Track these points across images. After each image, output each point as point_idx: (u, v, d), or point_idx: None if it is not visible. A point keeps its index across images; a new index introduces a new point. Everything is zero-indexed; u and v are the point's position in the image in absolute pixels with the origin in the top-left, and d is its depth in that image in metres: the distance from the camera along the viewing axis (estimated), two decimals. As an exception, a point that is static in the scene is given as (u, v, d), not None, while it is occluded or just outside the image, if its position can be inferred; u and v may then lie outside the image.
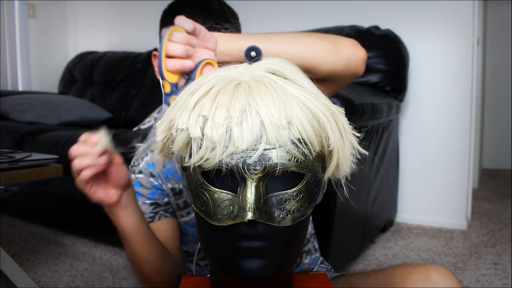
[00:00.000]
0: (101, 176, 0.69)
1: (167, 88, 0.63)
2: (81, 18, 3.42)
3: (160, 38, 0.63)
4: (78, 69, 3.03)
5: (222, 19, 0.83)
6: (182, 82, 0.70)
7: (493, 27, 3.52)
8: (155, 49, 0.89)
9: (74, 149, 0.67)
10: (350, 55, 0.79)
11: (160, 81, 0.63)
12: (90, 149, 0.65)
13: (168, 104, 0.63)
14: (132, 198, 0.75)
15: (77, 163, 0.66)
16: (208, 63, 0.64)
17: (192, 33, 0.65)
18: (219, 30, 0.79)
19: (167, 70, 0.62)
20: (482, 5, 2.59)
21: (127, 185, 0.73)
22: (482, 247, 1.82)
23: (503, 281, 1.48)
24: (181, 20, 0.65)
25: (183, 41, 0.63)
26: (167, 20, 0.86)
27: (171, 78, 0.63)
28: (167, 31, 0.63)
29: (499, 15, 3.52)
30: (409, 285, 0.66)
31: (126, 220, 0.76)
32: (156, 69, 0.85)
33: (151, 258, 0.80)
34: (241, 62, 0.68)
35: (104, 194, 0.71)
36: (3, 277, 1.38)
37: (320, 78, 0.78)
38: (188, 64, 0.62)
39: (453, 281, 0.66)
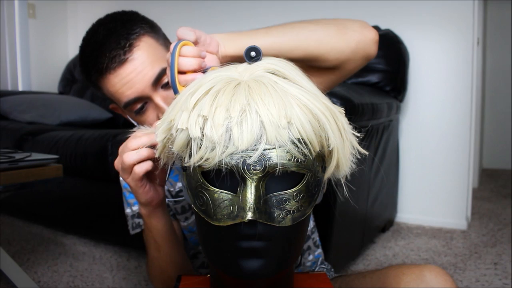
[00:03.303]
0: (150, 174, 0.66)
1: None
2: (81, 18, 3.42)
3: (172, 53, 0.62)
4: (78, 69, 3.02)
5: (113, 43, 0.74)
6: None
7: (493, 27, 3.52)
8: (111, 103, 0.86)
9: (131, 143, 0.63)
10: (358, 38, 0.75)
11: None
12: (146, 143, 0.63)
13: None
14: (165, 197, 0.74)
15: (134, 156, 0.62)
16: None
17: (196, 42, 0.64)
18: (119, 56, 0.73)
19: (181, 85, 0.62)
20: (482, 5, 2.59)
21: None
22: (482, 247, 1.82)
23: (503, 281, 1.48)
24: (183, 32, 0.64)
25: (194, 55, 0.62)
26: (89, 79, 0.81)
27: None
28: (177, 46, 0.62)
29: (499, 15, 3.52)
30: (403, 286, 0.66)
31: (163, 220, 0.74)
32: (126, 117, 0.84)
33: (177, 259, 0.79)
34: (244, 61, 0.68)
35: (155, 192, 0.68)
36: (3, 277, 1.38)
37: (330, 67, 0.76)
38: (195, 77, 0.61)
39: (447, 281, 0.66)
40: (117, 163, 0.68)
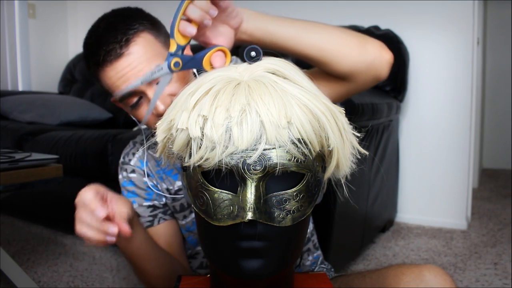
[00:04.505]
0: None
1: (172, 48, 0.63)
2: (81, 18, 3.42)
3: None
4: (78, 69, 3.02)
5: (111, 37, 0.75)
6: (188, 51, 0.70)
7: (493, 27, 3.52)
8: (112, 97, 0.87)
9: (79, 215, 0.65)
10: (376, 55, 0.76)
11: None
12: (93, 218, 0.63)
13: (168, 64, 0.63)
14: (134, 212, 0.74)
15: (82, 231, 0.64)
16: (219, 50, 0.64)
17: (216, 4, 0.63)
18: (115, 50, 0.74)
19: (178, 30, 0.62)
20: (482, 5, 2.59)
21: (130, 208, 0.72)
22: (482, 247, 1.82)
23: (503, 281, 1.48)
24: None
25: (203, 8, 0.62)
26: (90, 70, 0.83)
27: (180, 40, 0.63)
28: None
29: (499, 15, 3.52)
30: (403, 286, 0.66)
31: (138, 240, 0.76)
32: (126, 110, 0.85)
33: (161, 270, 0.80)
34: (260, 44, 0.68)
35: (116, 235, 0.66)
36: (3, 277, 1.38)
37: (341, 75, 0.76)
38: (189, 29, 0.61)
39: (447, 281, 0.66)
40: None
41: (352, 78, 0.77)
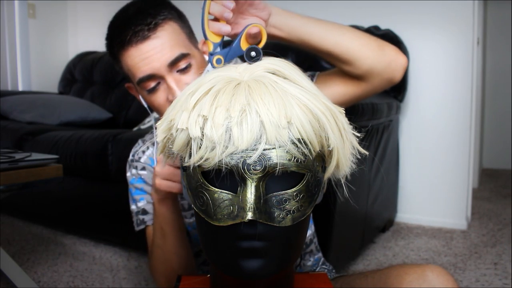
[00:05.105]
0: None
1: (210, 48, 0.65)
2: (81, 18, 3.42)
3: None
4: (78, 69, 3.03)
5: (140, 19, 0.79)
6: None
7: (493, 27, 3.52)
8: (127, 82, 0.91)
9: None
10: (393, 58, 0.80)
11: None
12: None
13: (211, 62, 0.66)
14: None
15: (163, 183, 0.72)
16: (255, 26, 0.66)
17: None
18: (143, 31, 0.78)
19: (211, 31, 0.65)
20: (482, 5, 2.59)
21: None
22: (482, 247, 1.82)
23: (503, 281, 1.48)
24: None
25: (221, 2, 0.65)
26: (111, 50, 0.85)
27: (214, 38, 0.65)
28: None
29: (499, 15, 3.52)
30: (405, 286, 0.66)
31: (171, 209, 0.78)
32: (138, 98, 0.89)
33: (181, 251, 0.82)
34: (288, 40, 0.74)
35: (175, 184, 0.73)
36: (3, 277, 1.38)
37: (359, 75, 0.79)
38: (224, 28, 0.65)
39: (449, 281, 0.66)
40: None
41: (369, 78, 0.80)
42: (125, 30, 0.78)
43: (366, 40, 0.78)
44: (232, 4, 0.65)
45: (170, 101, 0.78)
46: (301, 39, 0.76)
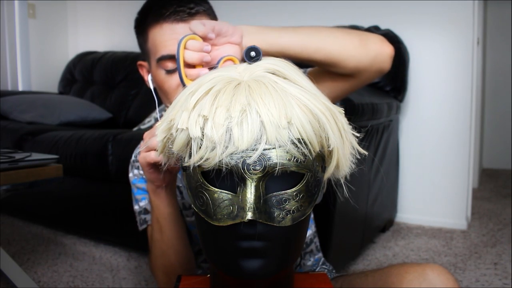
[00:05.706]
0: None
1: None
2: (81, 18, 3.42)
3: (178, 46, 0.65)
4: (78, 69, 3.03)
5: (184, 1, 0.81)
6: None
7: (493, 27, 3.52)
8: (141, 60, 0.91)
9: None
10: (378, 50, 0.79)
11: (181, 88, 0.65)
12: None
13: None
14: (172, 182, 0.77)
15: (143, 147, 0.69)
16: (228, 60, 0.66)
17: (205, 37, 0.67)
18: (184, 12, 0.79)
19: (188, 79, 0.65)
20: (482, 5, 2.59)
21: None
22: (482, 247, 1.82)
23: (503, 281, 1.48)
24: (194, 25, 0.67)
25: (196, 49, 0.65)
26: (140, 28, 0.86)
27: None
28: (182, 40, 0.65)
29: (499, 15, 3.52)
30: (406, 285, 0.66)
31: (166, 201, 0.77)
32: (146, 78, 0.88)
33: (179, 246, 0.81)
34: (270, 54, 0.71)
35: (157, 175, 0.72)
36: (3, 277, 1.38)
37: (346, 74, 0.79)
38: (203, 73, 0.64)
39: (450, 280, 0.66)
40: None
41: (358, 75, 0.80)
42: (168, 5, 0.79)
43: (348, 39, 0.77)
44: (209, 47, 0.66)
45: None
46: (281, 52, 0.74)
